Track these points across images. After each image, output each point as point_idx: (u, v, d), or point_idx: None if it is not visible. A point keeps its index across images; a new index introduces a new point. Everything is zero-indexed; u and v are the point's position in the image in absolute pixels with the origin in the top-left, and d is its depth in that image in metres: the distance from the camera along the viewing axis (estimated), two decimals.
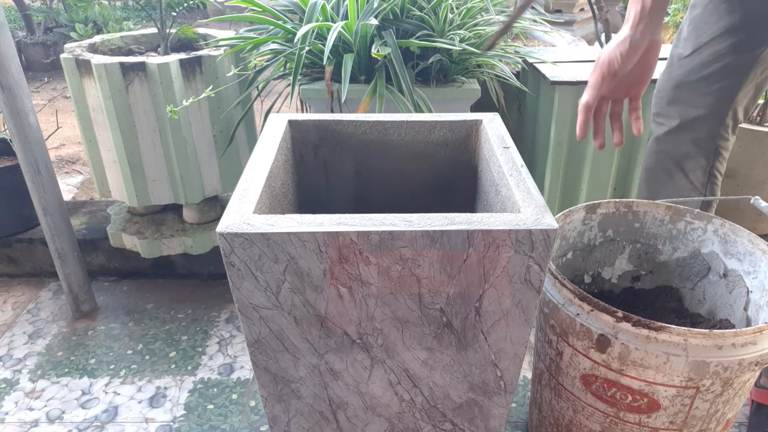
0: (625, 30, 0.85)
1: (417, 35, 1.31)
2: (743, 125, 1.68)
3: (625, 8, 1.13)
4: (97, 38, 1.52)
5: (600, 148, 0.95)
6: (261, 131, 0.87)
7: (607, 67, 0.86)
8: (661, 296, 1.12)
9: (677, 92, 1.12)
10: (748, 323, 0.95)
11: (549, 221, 0.63)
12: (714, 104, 1.10)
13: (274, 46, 1.33)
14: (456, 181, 0.96)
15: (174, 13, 1.48)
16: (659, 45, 0.87)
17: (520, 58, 1.51)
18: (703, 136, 1.13)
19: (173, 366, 1.36)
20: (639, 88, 0.91)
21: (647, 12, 0.83)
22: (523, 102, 1.65)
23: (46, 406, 1.25)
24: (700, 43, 1.07)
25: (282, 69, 1.38)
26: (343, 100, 1.19)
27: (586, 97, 0.90)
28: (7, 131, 1.32)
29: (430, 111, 1.25)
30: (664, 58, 1.13)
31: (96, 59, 1.30)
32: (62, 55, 1.36)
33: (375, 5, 1.27)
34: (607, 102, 0.94)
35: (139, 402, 1.26)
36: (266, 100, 1.54)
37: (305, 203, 0.96)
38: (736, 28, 1.03)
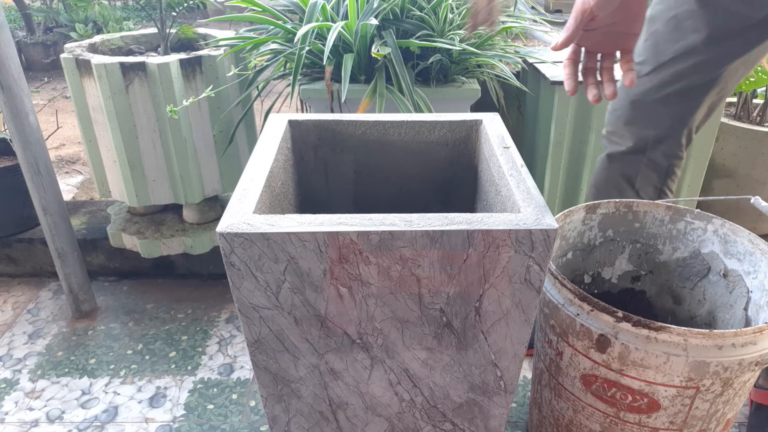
0: None
1: (417, 35, 1.31)
2: (743, 125, 1.68)
3: None
4: (97, 38, 1.52)
5: (594, 102, 0.85)
6: (261, 131, 0.87)
7: (581, 7, 0.77)
8: (661, 296, 1.12)
9: (634, 112, 1.10)
10: (748, 323, 0.95)
11: (549, 221, 0.63)
12: (671, 125, 1.08)
13: (274, 46, 1.33)
14: (456, 181, 0.96)
15: (174, 13, 1.48)
16: None
17: (520, 58, 1.51)
18: (658, 156, 1.12)
19: (173, 366, 1.36)
20: (628, 39, 0.83)
21: None
22: (523, 102, 1.65)
23: (46, 406, 1.25)
24: (660, 62, 1.04)
25: (282, 69, 1.38)
26: (343, 100, 1.19)
27: (558, 42, 0.80)
28: (7, 131, 1.32)
29: (430, 111, 1.25)
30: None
31: (96, 59, 1.30)
32: (62, 55, 1.36)
33: (375, 5, 1.27)
34: (595, 57, 0.86)
35: (139, 402, 1.26)
36: (266, 100, 1.54)
37: (305, 203, 0.96)
38: (700, 47, 1.00)
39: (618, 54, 0.85)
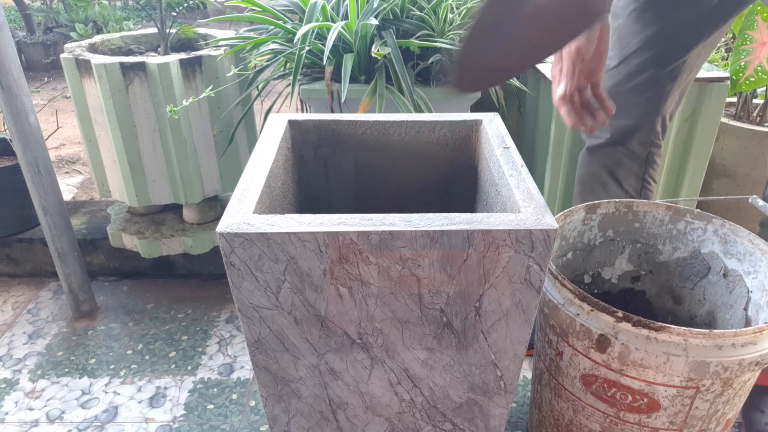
0: None
1: (417, 35, 1.31)
2: (743, 125, 1.68)
3: None
4: (97, 38, 1.52)
5: (592, 132, 0.95)
6: (261, 131, 0.87)
7: (576, 55, 0.87)
8: (661, 296, 1.12)
9: None
10: (748, 323, 0.95)
11: (549, 221, 0.63)
12: (644, 113, 1.11)
13: (274, 46, 1.33)
14: (456, 181, 0.96)
15: (174, 13, 1.48)
16: (608, 29, 0.90)
17: None
18: (635, 145, 1.15)
19: (173, 366, 1.36)
20: (598, 73, 0.93)
21: None
22: (523, 102, 1.65)
23: (46, 406, 1.25)
24: (625, 54, 1.07)
25: (282, 69, 1.38)
26: (343, 100, 1.19)
27: (563, 87, 0.90)
28: (7, 131, 1.32)
29: (430, 111, 1.25)
30: None
31: (96, 59, 1.30)
32: (62, 55, 1.36)
33: (375, 5, 1.27)
34: (575, 92, 0.95)
35: (139, 402, 1.26)
36: (266, 100, 1.54)
37: (305, 203, 0.96)
38: (660, 37, 1.04)
39: (589, 87, 0.95)
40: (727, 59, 1.76)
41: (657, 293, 1.13)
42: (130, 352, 1.40)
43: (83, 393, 1.28)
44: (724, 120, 1.69)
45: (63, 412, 1.23)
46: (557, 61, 0.91)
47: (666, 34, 1.03)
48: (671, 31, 1.03)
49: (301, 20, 1.36)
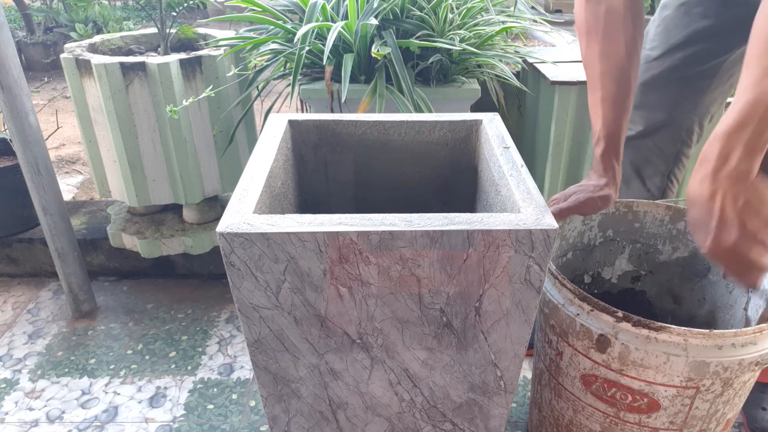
0: (608, 182, 0.91)
1: (417, 35, 1.31)
2: None
3: None
4: (97, 38, 1.52)
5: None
6: (261, 131, 0.87)
7: (597, 203, 0.91)
8: (661, 296, 1.12)
9: (644, 96, 1.10)
10: (748, 323, 0.95)
11: (549, 221, 0.63)
12: (681, 109, 1.10)
13: (274, 46, 1.33)
14: (456, 181, 0.96)
15: (174, 13, 1.48)
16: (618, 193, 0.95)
17: (520, 58, 1.51)
18: (666, 141, 1.13)
19: (173, 366, 1.36)
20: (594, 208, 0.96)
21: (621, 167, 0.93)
22: (523, 102, 1.65)
23: (46, 406, 1.25)
24: (669, 46, 1.06)
25: (282, 69, 1.38)
26: (343, 100, 1.19)
27: (554, 210, 0.92)
28: (7, 131, 1.32)
29: (430, 111, 1.25)
30: None
31: (96, 59, 1.30)
32: (62, 55, 1.36)
33: (375, 5, 1.27)
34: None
35: (139, 402, 1.26)
36: (266, 100, 1.54)
37: (305, 203, 0.96)
38: (708, 33, 1.02)
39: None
40: None
41: (657, 293, 1.13)
42: (130, 352, 1.40)
43: (83, 393, 1.28)
44: None
45: (63, 412, 1.23)
46: (575, 191, 0.92)
47: (713, 31, 1.02)
48: (718, 28, 1.02)
49: (301, 20, 1.36)
